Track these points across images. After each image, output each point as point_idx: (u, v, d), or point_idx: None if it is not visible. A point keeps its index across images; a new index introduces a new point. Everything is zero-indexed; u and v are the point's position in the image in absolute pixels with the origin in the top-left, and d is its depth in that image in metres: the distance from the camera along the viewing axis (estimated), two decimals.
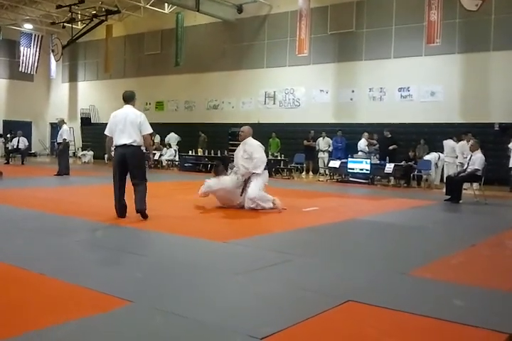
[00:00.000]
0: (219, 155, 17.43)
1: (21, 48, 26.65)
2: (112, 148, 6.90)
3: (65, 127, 14.30)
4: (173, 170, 19.33)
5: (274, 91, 20.48)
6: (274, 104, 20.54)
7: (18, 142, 19.34)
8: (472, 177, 10.47)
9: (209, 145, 19.49)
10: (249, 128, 8.64)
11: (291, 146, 18.14)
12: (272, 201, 8.04)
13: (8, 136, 21.04)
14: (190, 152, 19.05)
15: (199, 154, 18.77)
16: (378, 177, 15.11)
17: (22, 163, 18.86)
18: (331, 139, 17.65)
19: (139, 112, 6.79)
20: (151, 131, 6.84)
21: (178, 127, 21.85)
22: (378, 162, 14.82)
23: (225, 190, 8.13)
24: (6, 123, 26.65)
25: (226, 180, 8.21)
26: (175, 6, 21.42)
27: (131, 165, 6.68)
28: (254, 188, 7.92)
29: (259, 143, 8.30)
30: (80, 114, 27.17)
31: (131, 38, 25.19)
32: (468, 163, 10.56)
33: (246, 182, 8.05)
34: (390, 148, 15.37)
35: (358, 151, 16.12)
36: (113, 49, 24.47)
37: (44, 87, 29.47)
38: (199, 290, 3.71)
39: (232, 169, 8.52)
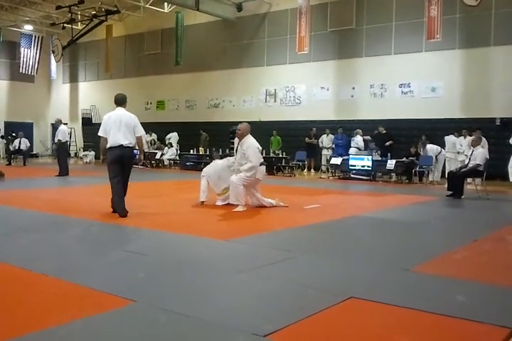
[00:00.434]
0: (220, 153, 17.43)
1: (22, 49, 26.66)
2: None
3: (61, 127, 14.21)
4: (174, 169, 19.34)
5: (275, 89, 20.47)
6: (275, 101, 20.54)
7: (20, 143, 19.38)
8: (474, 172, 10.47)
9: (210, 144, 19.51)
10: (247, 125, 8.29)
11: (293, 144, 18.13)
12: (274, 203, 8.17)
13: (9, 137, 21.07)
14: (191, 151, 19.08)
15: (200, 153, 18.78)
16: (380, 173, 15.11)
17: (24, 164, 18.90)
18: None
19: (133, 115, 7.08)
20: (144, 132, 7.21)
21: (179, 126, 21.87)
22: (380, 158, 14.81)
23: (217, 173, 8.25)
24: (7, 124, 26.70)
25: (218, 162, 8.55)
26: (174, 5, 21.40)
27: (126, 165, 7.00)
28: (238, 178, 7.85)
29: (256, 144, 8.06)
30: (81, 114, 27.19)
31: (131, 37, 25.20)
32: (469, 158, 10.55)
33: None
34: (387, 144, 15.37)
35: (352, 148, 16.17)
36: (113, 49, 24.48)
37: (45, 87, 29.50)
38: (201, 288, 3.71)
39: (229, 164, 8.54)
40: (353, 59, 18.52)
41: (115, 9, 21.83)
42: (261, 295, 3.61)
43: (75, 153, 26.47)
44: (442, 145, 14.61)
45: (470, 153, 10.75)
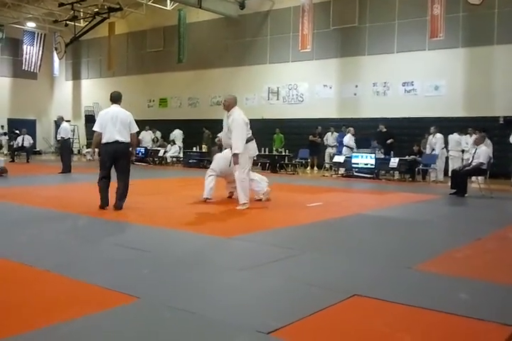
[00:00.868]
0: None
1: (24, 46, 26.68)
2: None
3: (63, 125, 14.18)
4: (177, 166, 19.35)
5: (278, 87, 20.46)
6: (277, 99, 20.53)
7: (23, 140, 19.39)
8: (477, 170, 10.45)
9: (213, 142, 19.45)
10: (234, 97, 8.04)
11: (295, 142, 18.12)
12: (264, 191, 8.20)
13: (13, 134, 21.09)
14: (194, 148, 19.07)
15: (203, 150, 18.78)
16: (383, 171, 15.10)
17: (27, 161, 18.91)
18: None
19: (128, 112, 7.33)
20: (137, 129, 7.47)
21: (182, 124, 21.84)
22: (383, 156, 14.80)
23: (225, 165, 8.10)
24: (10, 121, 26.73)
25: (219, 155, 8.52)
26: (177, 3, 21.39)
27: (120, 160, 7.22)
28: (239, 174, 7.75)
29: (243, 117, 7.72)
30: (84, 111, 27.21)
31: (134, 35, 25.20)
32: (473, 157, 10.54)
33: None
34: (388, 142, 15.36)
35: (344, 147, 16.27)
36: (116, 46, 24.46)
37: (47, 85, 29.52)
38: (204, 285, 3.72)
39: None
40: (356, 57, 18.49)
41: (118, 6, 21.78)
42: (264, 293, 3.61)
43: (78, 150, 26.48)
44: (445, 143, 14.57)
45: (473, 151, 10.73)
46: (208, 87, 22.15)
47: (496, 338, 2.86)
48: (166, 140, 20.74)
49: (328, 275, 4.09)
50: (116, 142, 7.10)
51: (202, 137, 20.11)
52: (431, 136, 14.53)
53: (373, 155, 14.42)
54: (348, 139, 16.27)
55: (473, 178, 11.66)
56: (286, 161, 16.92)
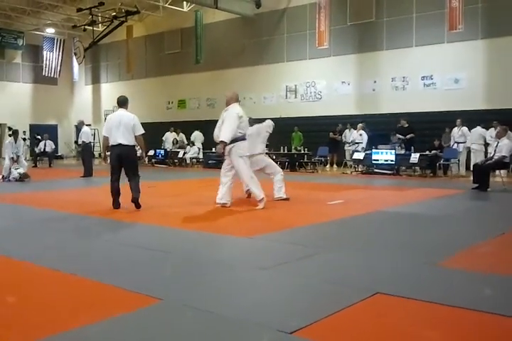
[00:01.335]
0: None
1: (44, 53, 27.07)
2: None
3: (84, 129, 14.35)
4: (197, 167, 19.43)
5: (295, 85, 20.41)
6: (295, 97, 20.48)
7: (45, 145, 19.69)
8: (500, 164, 10.30)
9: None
10: (234, 92, 8.11)
11: (314, 139, 18.04)
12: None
13: (35, 139, 21.38)
14: (213, 149, 19.11)
15: None
16: (403, 167, 14.96)
17: (49, 166, 19.20)
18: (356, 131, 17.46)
19: (132, 115, 7.55)
20: (143, 131, 7.58)
21: (201, 124, 21.89)
22: (403, 152, 14.67)
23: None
24: (32, 127, 27.12)
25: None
26: (193, 4, 21.48)
27: (125, 162, 7.46)
28: (243, 176, 7.78)
29: (239, 111, 7.72)
30: (104, 115, 27.47)
31: (152, 37, 25.36)
32: (495, 150, 10.38)
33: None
34: (408, 136, 15.21)
35: (350, 143, 16.41)
36: (134, 49, 24.67)
37: (68, 89, 29.89)
38: (226, 285, 3.73)
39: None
40: (374, 52, 18.34)
41: (135, 10, 21.95)
42: (286, 292, 3.61)
43: (99, 154, 26.74)
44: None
45: (495, 145, 10.57)
46: (225, 87, 22.06)
47: None
48: (188, 141, 20.84)
49: (350, 273, 4.07)
50: (120, 145, 7.38)
51: None
52: (456, 128, 14.41)
53: (393, 151, 14.30)
54: (356, 135, 16.33)
55: (496, 172, 11.49)
56: (305, 159, 16.87)
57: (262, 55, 21.22)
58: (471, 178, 10.67)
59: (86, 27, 22.97)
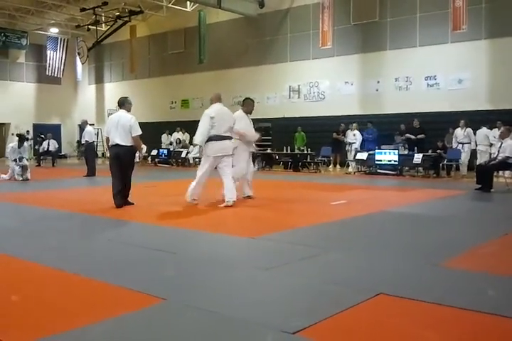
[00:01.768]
0: None
1: (48, 52, 27.14)
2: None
3: (88, 128, 14.38)
4: None
5: (299, 85, 20.40)
6: (298, 97, 20.46)
7: (49, 145, 19.73)
8: (503, 165, 10.27)
9: None
10: (215, 93, 8.20)
11: (317, 140, 18.03)
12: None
13: (38, 139, 21.45)
14: None
15: None
16: (407, 168, 14.94)
17: (53, 165, 19.23)
18: (359, 131, 17.44)
19: (130, 116, 7.69)
20: (140, 132, 7.71)
21: None
22: (406, 152, 14.64)
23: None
24: (36, 126, 27.18)
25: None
26: (197, 4, 21.52)
27: (122, 162, 7.69)
28: (198, 173, 8.05)
29: (212, 111, 7.71)
30: (108, 114, 27.49)
31: (155, 37, 25.40)
32: (498, 151, 10.36)
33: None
34: (418, 136, 15.19)
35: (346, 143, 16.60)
36: (137, 49, 24.71)
37: (71, 89, 29.96)
38: (229, 286, 3.74)
39: None
40: (377, 52, 18.33)
41: (138, 9, 22.02)
42: (289, 292, 3.60)
43: (102, 154, 26.79)
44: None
45: (499, 145, 10.55)
46: (229, 87, 22.17)
47: None
48: (191, 141, 20.86)
49: (353, 273, 4.06)
50: (117, 145, 7.62)
51: None
52: (459, 129, 14.38)
53: (396, 152, 14.28)
54: (350, 135, 16.53)
55: (500, 172, 11.47)
56: (308, 160, 16.86)
57: (265, 55, 21.23)
58: (475, 179, 10.64)
59: (90, 27, 23.07)
